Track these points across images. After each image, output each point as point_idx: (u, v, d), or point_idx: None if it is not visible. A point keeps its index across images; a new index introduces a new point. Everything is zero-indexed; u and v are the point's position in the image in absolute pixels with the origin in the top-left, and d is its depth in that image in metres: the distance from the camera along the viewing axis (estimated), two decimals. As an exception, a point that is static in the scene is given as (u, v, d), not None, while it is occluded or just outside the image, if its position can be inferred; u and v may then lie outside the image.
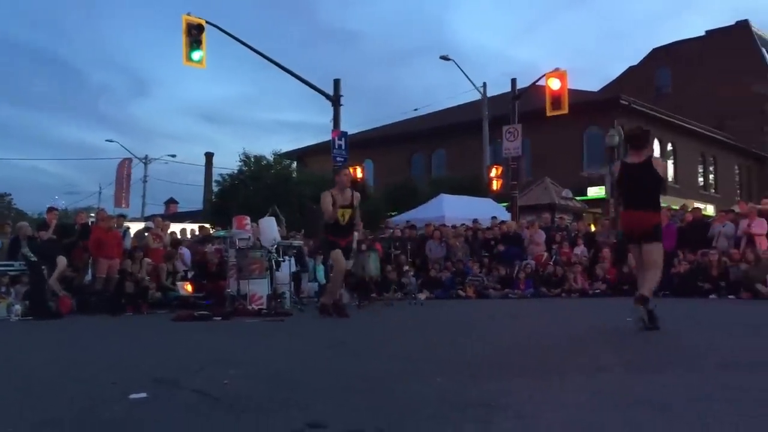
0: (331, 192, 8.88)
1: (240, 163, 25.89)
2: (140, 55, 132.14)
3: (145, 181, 44.20)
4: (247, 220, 11.86)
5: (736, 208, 16.35)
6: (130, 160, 42.27)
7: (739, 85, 39.11)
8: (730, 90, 38.93)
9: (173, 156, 51.81)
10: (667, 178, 6.45)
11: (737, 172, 40.48)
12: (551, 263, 15.16)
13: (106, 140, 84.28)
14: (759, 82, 40.17)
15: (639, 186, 6.38)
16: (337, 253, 8.77)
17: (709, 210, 28.56)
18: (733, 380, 3.72)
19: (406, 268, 14.24)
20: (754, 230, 13.73)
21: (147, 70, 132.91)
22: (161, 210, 46.87)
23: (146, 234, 14.00)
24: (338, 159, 19.69)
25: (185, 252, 14.30)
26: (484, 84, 26.57)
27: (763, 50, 42.62)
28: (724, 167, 38.87)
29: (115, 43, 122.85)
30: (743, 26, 43.28)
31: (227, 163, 64.40)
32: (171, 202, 51.22)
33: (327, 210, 8.73)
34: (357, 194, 9.15)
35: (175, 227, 18.15)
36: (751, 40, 42.44)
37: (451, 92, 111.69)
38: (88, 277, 12.22)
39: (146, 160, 44.39)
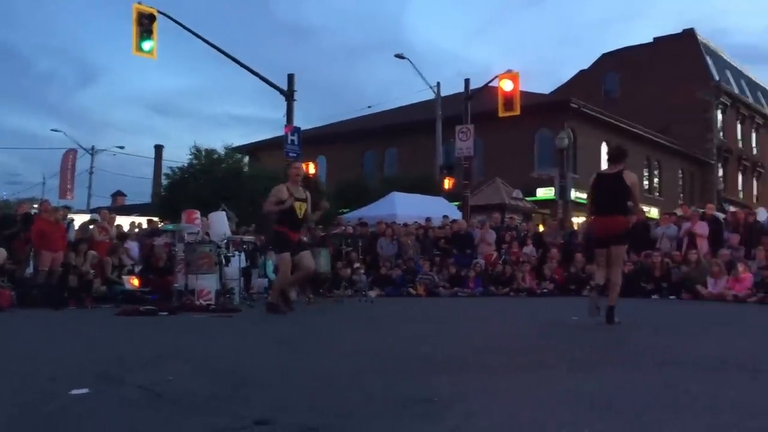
0: (287, 185, 8.81)
1: (190, 157, 25.60)
2: (89, 43, 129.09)
3: (91, 173, 43.15)
4: (197, 214, 11.69)
5: (679, 211, 16.83)
6: (75, 150, 41.16)
7: (685, 92, 40.26)
8: (676, 96, 40.04)
9: (121, 147, 50.55)
10: (636, 188, 7.07)
11: (680, 176, 41.65)
12: (500, 262, 15.35)
13: (52, 130, 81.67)
14: (703, 89, 41.43)
15: (610, 193, 7.03)
16: (286, 257, 8.65)
17: (653, 213, 29.30)
18: (671, 378, 3.83)
19: (357, 265, 14.23)
20: (696, 231, 14.17)
21: (96, 59, 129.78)
22: (108, 202, 45.87)
23: (91, 226, 13.66)
24: (291, 154, 19.59)
25: (132, 246, 14.01)
26: (438, 84, 26.74)
27: (708, 58, 43.94)
28: (669, 171, 39.94)
29: (63, 29, 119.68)
30: (689, 34, 44.55)
31: (177, 156, 63.69)
32: (118, 194, 50.21)
33: (270, 200, 8.66)
34: (307, 191, 9.09)
35: (123, 220, 17.79)
36: (697, 48, 43.70)
37: (405, 91, 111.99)
38: (30, 269, 11.86)
39: (93, 151, 43.32)
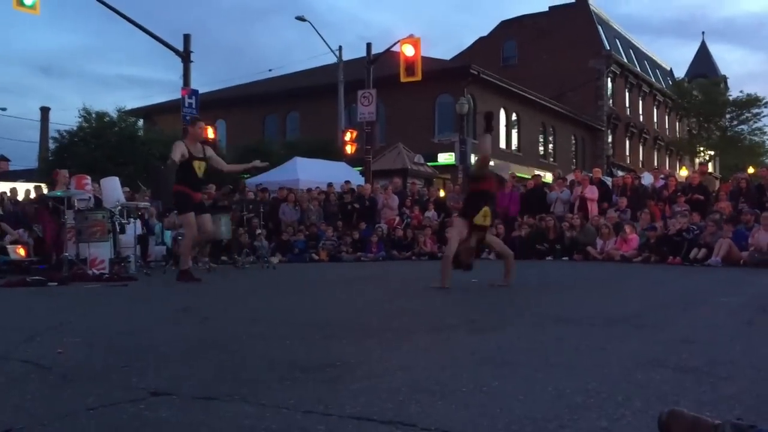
0: (185, 142, 8.27)
1: (80, 120, 24.33)
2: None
3: (-31, 136, 40.37)
4: (88, 179, 11.18)
5: (571, 176, 17.51)
6: (-49, 112, 38.38)
7: (578, 60, 41.68)
8: (570, 64, 41.37)
9: (3, 109, 47.35)
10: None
11: (573, 142, 43.26)
12: (401, 227, 15.53)
13: None
14: (594, 57, 43.04)
15: None
16: (190, 217, 8.15)
17: (548, 177, 30.35)
18: (565, 336, 4.00)
19: (259, 231, 14.01)
20: (586, 195, 14.83)
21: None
22: (-11, 168, 43.18)
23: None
24: (188, 118, 18.95)
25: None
26: (340, 47, 26.43)
27: (599, 28, 45.55)
28: (562, 137, 41.39)
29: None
30: (582, 4, 45.95)
31: (66, 119, 60.27)
32: (1, 159, 47.50)
33: (174, 156, 7.98)
34: (208, 147, 8.56)
35: (5, 186, 16.80)
36: (589, 17, 45.18)
37: (306, 54, 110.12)
38: None
39: (-30, 113, 40.45)
